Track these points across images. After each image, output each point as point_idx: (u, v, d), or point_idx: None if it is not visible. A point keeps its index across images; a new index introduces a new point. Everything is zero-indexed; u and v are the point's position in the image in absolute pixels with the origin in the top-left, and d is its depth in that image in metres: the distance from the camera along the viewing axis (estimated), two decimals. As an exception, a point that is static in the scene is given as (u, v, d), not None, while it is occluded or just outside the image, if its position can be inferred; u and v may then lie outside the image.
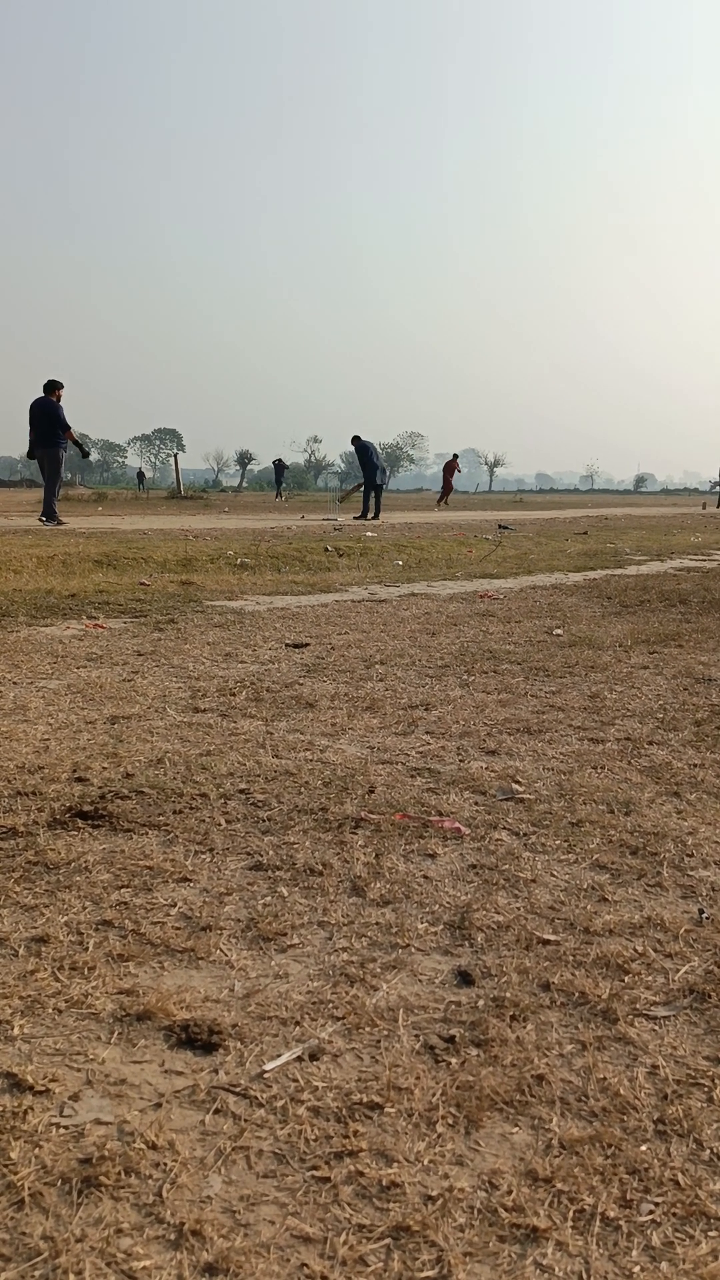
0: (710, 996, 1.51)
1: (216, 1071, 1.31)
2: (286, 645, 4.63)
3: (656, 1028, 1.44)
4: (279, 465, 42.73)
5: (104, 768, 2.58)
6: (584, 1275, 0.99)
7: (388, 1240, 1.03)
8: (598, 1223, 1.06)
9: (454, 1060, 1.34)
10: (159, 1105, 1.24)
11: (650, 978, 1.57)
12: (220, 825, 2.20)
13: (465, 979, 1.55)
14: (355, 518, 17.97)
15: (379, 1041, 1.38)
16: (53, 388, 12.91)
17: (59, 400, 12.96)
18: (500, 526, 15.86)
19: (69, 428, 12.89)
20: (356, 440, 17.92)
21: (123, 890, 1.85)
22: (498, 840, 2.15)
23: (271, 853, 2.04)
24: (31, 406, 12.85)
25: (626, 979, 1.56)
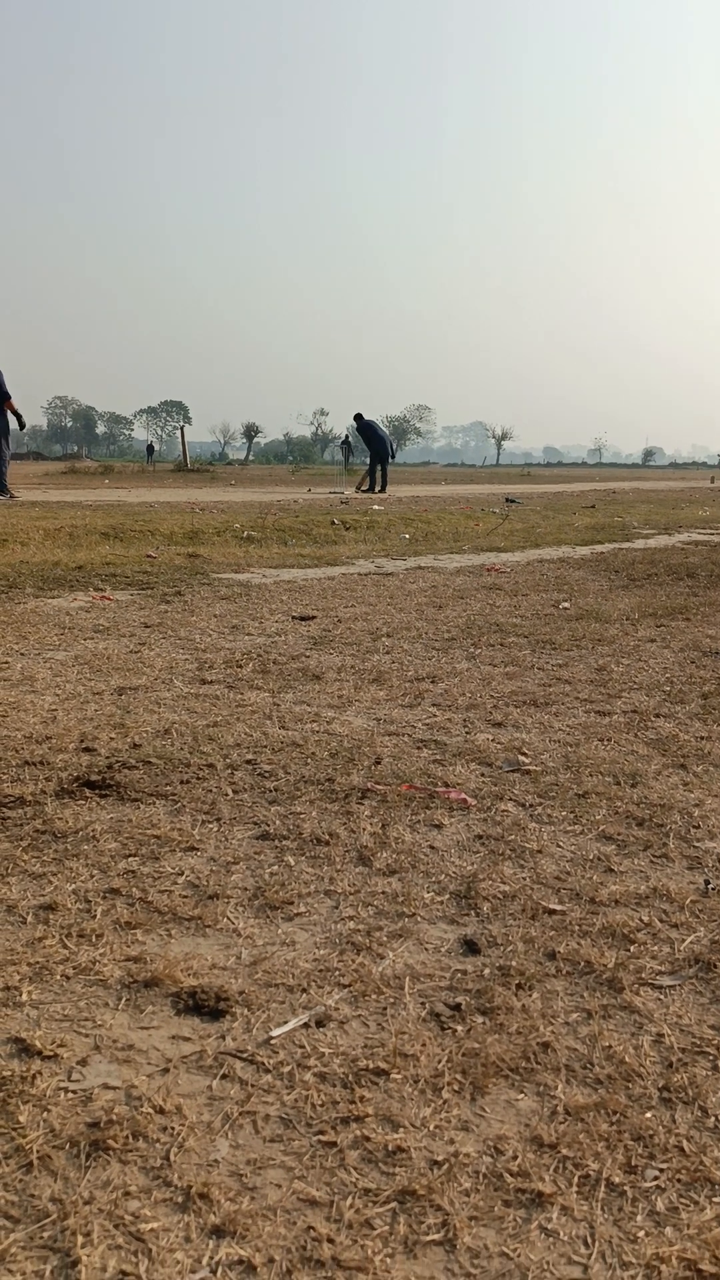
0: (716, 966, 1.52)
1: (224, 1038, 1.31)
2: (293, 618, 4.62)
3: (662, 997, 1.44)
4: (346, 443, 46.15)
5: (111, 738, 2.58)
6: (589, 1239, 1.00)
7: (393, 1204, 1.03)
8: (602, 1188, 1.06)
9: (460, 1027, 1.35)
10: (166, 1070, 1.24)
11: (656, 947, 1.57)
12: (227, 795, 2.20)
13: (471, 948, 1.56)
14: (362, 491, 17.88)
15: (385, 1009, 1.39)
16: None
17: None
18: (507, 500, 15.77)
19: (9, 397, 11.79)
20: (359, 419, 17.59)
21: (130, 859, 1.85)
22: (504, 811, 2.15)
23: (278, 822, 2.05)
24: None
25: (632, 949, 1.57)
